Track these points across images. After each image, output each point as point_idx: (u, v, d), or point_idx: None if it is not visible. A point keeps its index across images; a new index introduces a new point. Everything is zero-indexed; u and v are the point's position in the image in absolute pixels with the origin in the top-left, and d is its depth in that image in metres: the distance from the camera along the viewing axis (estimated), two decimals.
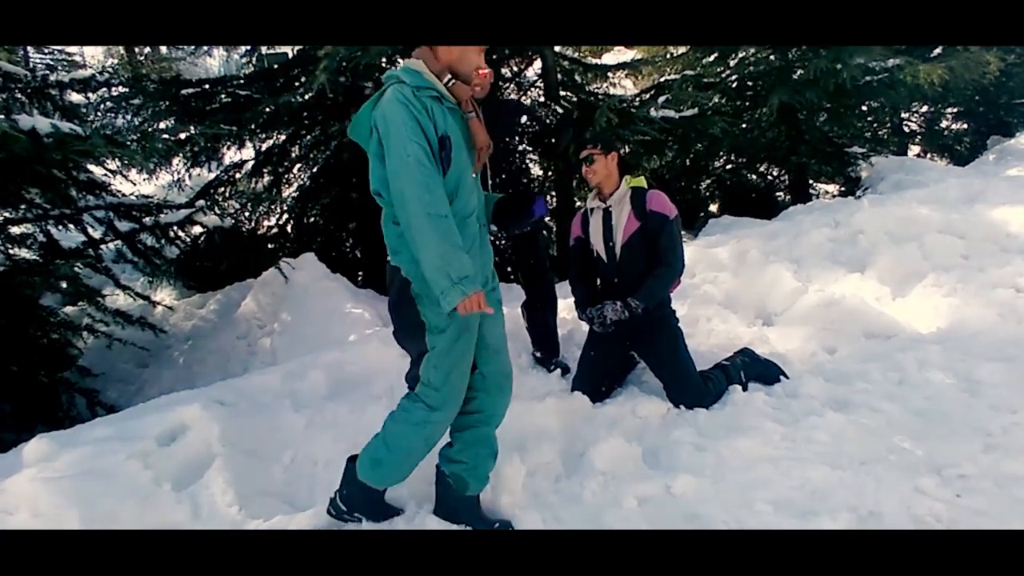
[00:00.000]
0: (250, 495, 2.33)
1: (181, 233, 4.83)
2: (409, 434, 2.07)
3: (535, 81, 7.34)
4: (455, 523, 2.18)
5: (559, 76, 6.68)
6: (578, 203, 7.19)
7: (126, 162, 5.35)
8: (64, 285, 4.65)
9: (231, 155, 6.69)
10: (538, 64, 6.91)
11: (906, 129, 10.77)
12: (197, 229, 5.17)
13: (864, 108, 8.75)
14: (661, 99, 6.82)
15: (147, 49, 12.50)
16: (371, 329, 4.63)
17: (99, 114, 5.57)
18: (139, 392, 5.01)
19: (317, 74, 4.85)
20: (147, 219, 4.70)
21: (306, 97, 5.49)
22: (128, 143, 3.78)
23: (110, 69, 5.26)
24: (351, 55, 4.85)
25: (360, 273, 6.75)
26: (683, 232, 8.54)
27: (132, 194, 5.47)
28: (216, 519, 2.18)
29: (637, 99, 6.97)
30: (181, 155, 5.95)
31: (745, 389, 2.94)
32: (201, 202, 4.64)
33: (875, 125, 9.72)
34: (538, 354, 3.45)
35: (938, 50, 7.83)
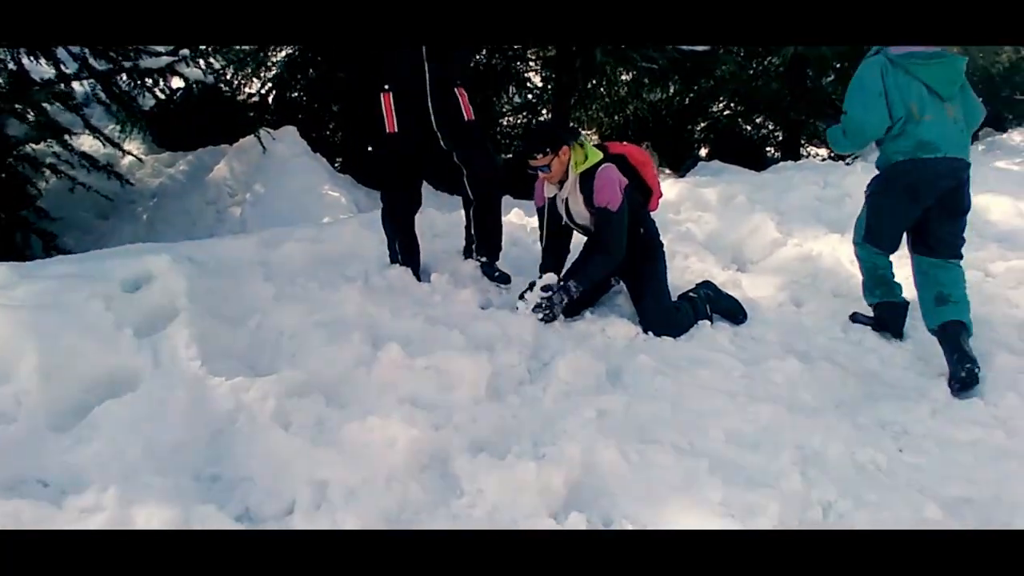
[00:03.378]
0: (212, 354, 2.29)
1: (160, 82, 4.55)
2: None
3: None
4: None
5: None
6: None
7: None
8: (31, 116, 4.39)
9: None
10: None
11: None
12: (177, 82, 4.90)
13: None
14: None
15: None
16: (347, 214, 4.54)
17: None
18: (97, 242, 4.86)
19: None
20: (125, 62, 4.40)
21: None
22: None
23: None
24: None
25: (339, 159, 6.55)
26: (668, 171, 8.49)
27: None
28: (177, 371, 2.14)
29: None
30: None
31: (712, 323, 3.00)
32: (185, 51, 4.35)
33: None
34: (484, 259, 3.27)
35: None
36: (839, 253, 3.89)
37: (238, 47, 5.95)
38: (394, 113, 2.93)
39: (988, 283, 3.52)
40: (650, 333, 2.89)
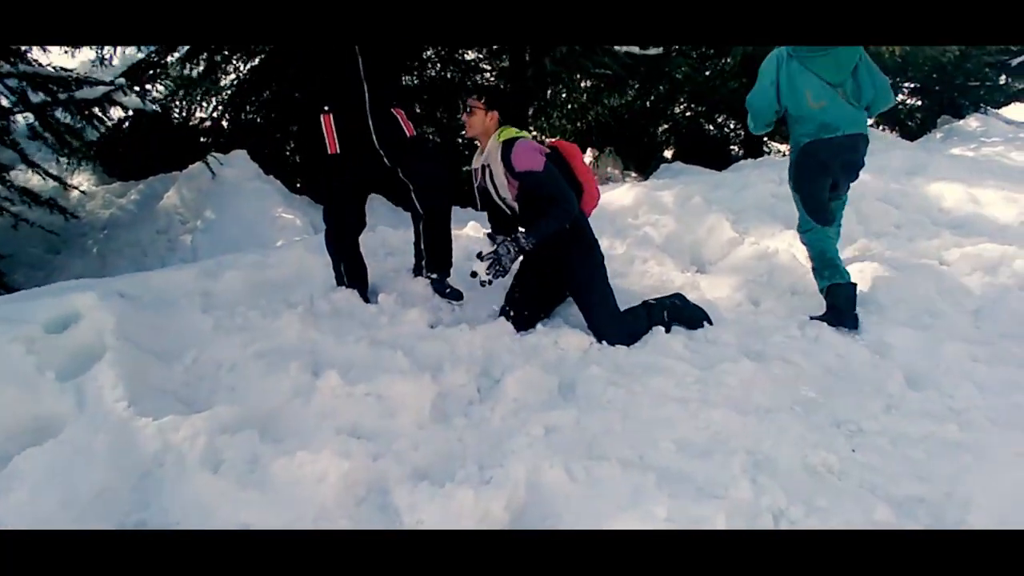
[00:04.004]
0: (143, 392, 2.20)
1: (99, 113, 4.44)
2: None
3: None
4: None
5: None
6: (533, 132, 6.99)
7: None
8: None
9: None
10: None
11: None
12: (119, 112, 4.79)
13: None
14: None
15: None
16: (301, 236, 4.45)
17: None
18: (48, 279, 4.71)
19: None
20: (61, 94, 4.29)
21: None
22: None
23: None
24: None
25: (299, 179, 6.45)
26: (634, 175, 8.51)
27: (49, 65, 5.00)
28: (101, 414, 2.05)
29: None
30: None
31: (668, 331, 2.95)
32: (121, 80, 4.24)
33: None
34: (434, 275, 3.18)
35: None
36: (795, 249, 3.86)
37: (184, 73, 5.88)
38: (335, 134, 2.88)
39: (943, 272, 3.51)
40: (604, 343, 2.83)
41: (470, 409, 2.34)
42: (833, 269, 3.22)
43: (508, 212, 3.00)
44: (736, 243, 3.98)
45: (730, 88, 7.79)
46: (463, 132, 2.95)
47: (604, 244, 4.00)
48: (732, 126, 9.10)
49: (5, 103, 4.60)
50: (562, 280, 3.02)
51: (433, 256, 3.17)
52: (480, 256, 2.77)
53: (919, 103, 10.87)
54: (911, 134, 10.01)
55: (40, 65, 4.77)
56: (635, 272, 3.73)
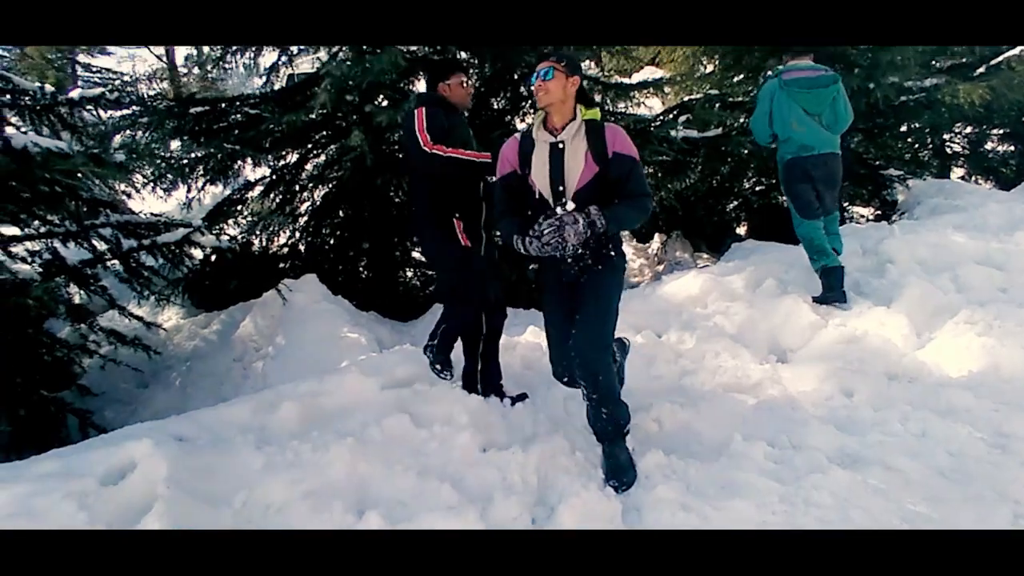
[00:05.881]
0: None
1: (182, 253, 4.74)
2: None
3: None
4: None
5: None
6: None
7: (144, 182, 5.40)
8: (61, 308, 4.61)
9: (251, 175, 6.68)
10: None
11: (948, 151, 10.23)
12: (199, 251, 5.10)
13: (903, 129, 8.35)
14: (682, 119, 6.60)
15: (195, 69, 12.90)
16: (366, 355, 4.46)
17: (121, 134, 5.58)
18: (134, 414, 4.92)
19: (318, 92, 4.77)
20: (145, 239, 4.62)
21: (312, 117, 5.37)
22: (114, 162, 3.69)
23: (119, 87, 5.23)
24: (354, 74, 4.75)
25: (370, 296, 6.60)
26: (706, 256, 8.20)
27: (141, 212, 5.45)
28: None
29: (659, 119, 6.74)
30: (194, 175, 5.95)
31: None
32: (197, 221, 4.54)
33: (916, 147, 9.25)
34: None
35: (981, 69, 7.44)
36: (887, 329, 3.51)
37: (263, 205, 6.25)
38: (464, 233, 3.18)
39: None
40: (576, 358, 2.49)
41: None
42: (822, 254, 4.04)
43: (549, 206, 2.55)
44: (818, 326, 3.66)
45: None
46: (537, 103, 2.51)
47: (672, 338, 3.80)
48: None
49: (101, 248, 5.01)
50: (582, 288, 2.62)
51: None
52: (536, 231, 2.44)
53: (1011, 148, 10.15)
54: (1008, 182, 9.29)
55: (133, 212, 5.21)
56: (707, 368, 3.46)
